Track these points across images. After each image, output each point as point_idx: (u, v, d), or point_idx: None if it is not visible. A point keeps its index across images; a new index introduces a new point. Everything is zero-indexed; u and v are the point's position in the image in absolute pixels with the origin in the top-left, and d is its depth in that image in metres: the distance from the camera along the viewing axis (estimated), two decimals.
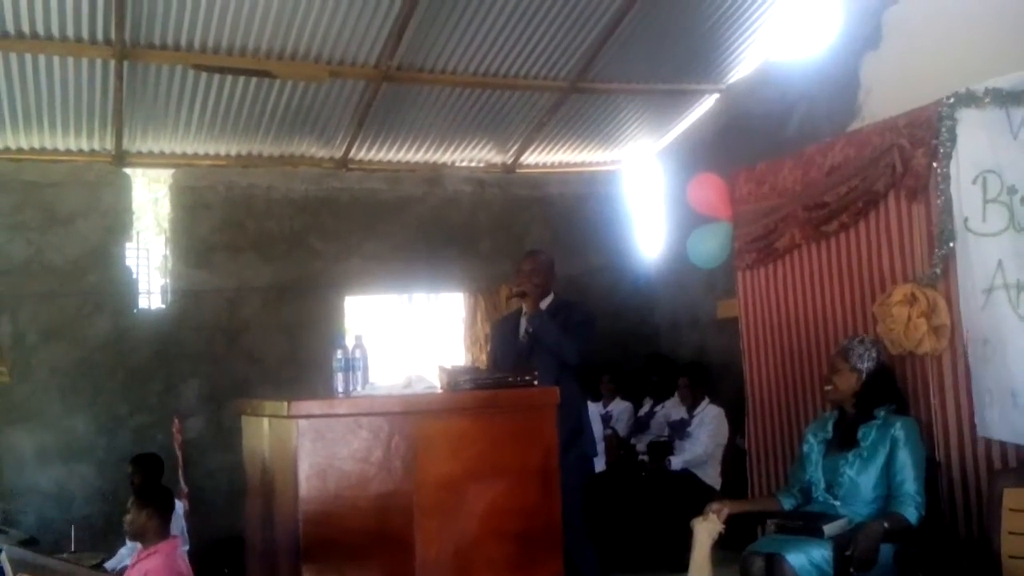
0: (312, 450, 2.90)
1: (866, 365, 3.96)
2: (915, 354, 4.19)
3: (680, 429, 6.40)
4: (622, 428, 6.97)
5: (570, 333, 4.35)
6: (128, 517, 4.27)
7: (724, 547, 3.95)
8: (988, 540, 3.71)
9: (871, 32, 5.76)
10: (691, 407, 6.47)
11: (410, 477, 2.97)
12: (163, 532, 4.32)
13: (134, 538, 4.44)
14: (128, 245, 7.01)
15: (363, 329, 6.97)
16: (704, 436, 6.27)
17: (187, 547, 5.71)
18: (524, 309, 4.54)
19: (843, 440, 3.97)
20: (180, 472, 6.33)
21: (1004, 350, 3.82)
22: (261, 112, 6.62)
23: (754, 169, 5.32)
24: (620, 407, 7.12)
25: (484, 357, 7.87)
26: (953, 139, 4.00)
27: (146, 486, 4.56)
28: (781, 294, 5.15)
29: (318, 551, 2.86)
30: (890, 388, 4.02)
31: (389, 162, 7.64)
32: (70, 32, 5.53)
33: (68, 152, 6.81)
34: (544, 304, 4.54)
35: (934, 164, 4.10)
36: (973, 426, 4.00)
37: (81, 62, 5.81)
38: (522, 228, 7.98)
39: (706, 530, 3.90)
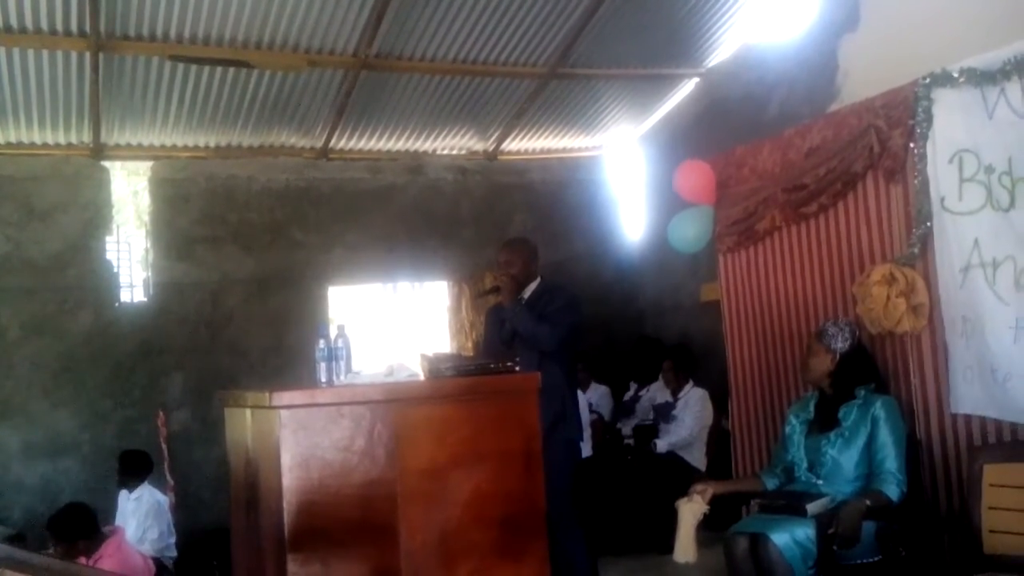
0: (295, 440, 2.89)
1: (839, 346, 4.01)
2: (894, 333, 4.22)
3: (665, 412, 6.43)
4: (604, 412, 7.00)
5: (548, 319, 4.35)
6: (56, 555, 4.30)
7: (709, 527, 3.99)
8: (969, 516, 3.74)
9: (848, 14, 5.78)
10: (675, 390, 6.50)
11: (393, 465, 2.97)
12: (95, 544, 4.37)
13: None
14: (108, 239, 6.96)
15: (347, 319, 6.97)
16: (689, 419, 6.30)
17: (173, 539, 5.75)
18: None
19: (824, 420, 4.01)
20: (165, 465, 6.32)
21: (982, 327, 3.85)
22: (240, 103, 6.58)
23: (734, 152, 5.34)
24: (598, 392, 7.14)
25: (469, 345, 7.89)
26: (929, 119, 4.02)
27: (57, 520, 4.58)
28: (762, 276, 5.17)
29: (302, 541, 2.86)
30: (867, 368, 4.06)
31: (370, 151, 7.62)
32: (44, 24, 5.48)
33: (45, 146, 6.76)
34: (529, 290, 4.55)
35: (911, 144, 4.12)
36: None
37: (56, 55, 5.76)
38: (505, 215, 7.98)
39: (691, 511, 3.94)
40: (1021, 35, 3.75)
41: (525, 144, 8.05)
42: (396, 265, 7.65)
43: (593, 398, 7.08)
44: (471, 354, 7.19)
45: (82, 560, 4.38)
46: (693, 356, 6.71)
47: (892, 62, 4.86)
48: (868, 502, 3.67)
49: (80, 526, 4.46)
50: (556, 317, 4.37)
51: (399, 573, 2.94)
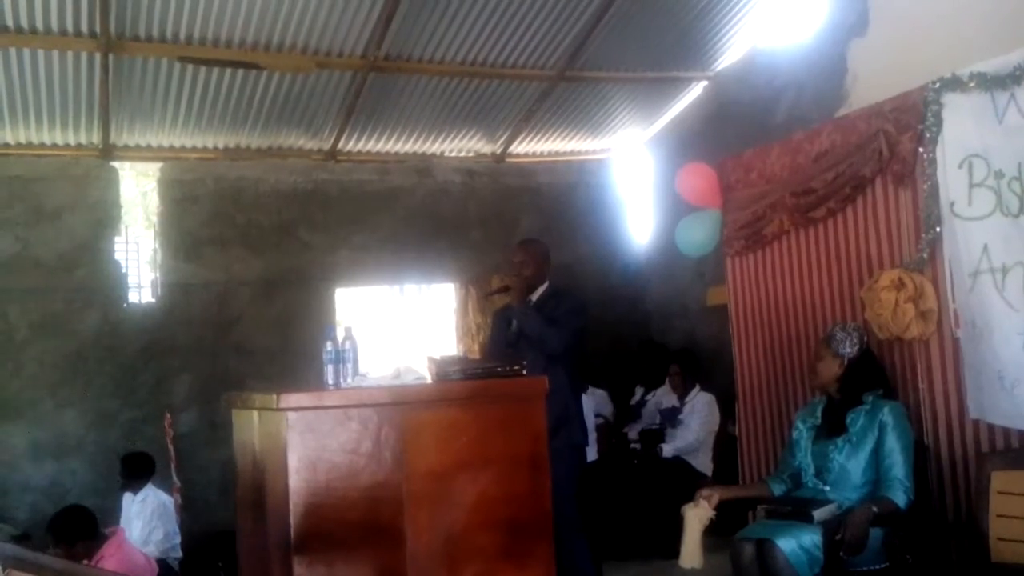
0: (302, 442, 2.89)
1: (848, 351, 4.00)
2: (903, 339, 4.20)
3: (671, 417, 6.42)
4: (605, 416, 6.98)
5: (556, 323, 4.34)
6: (55, 554, 4.30)
7: (715, 533, 3.97)
8: (976, 523, 3.73)
9: (857, 18, 5.77)
10: (682, 395, 6.49)
11: (400, 468, 2.97)
12: (95, 546, 4.38)
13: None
14: (117, 239, 6.98)
15: (354, 321, 6.98)
16: (695, 423, 6.29)
17: (178, 540, 5.76)
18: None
19: (832, 426, 4.00)
20: (172, 467, 6.33)
21: (991, 333, 3.83)
22: (248, 104, 6.59)
23: (742, 156, 5.33)
24: (595, 396, 7.12)
25: (476, 347, 7.89)
26: (939, 124, 4.01)
27: (57, 522, 4.58)
28: (770, 280, 5.16)
29: (309, 543, 2.86)
30: (875, 373, 4.05)
31: (378, 153, 7.62)
32: (55, 25, 5.50)
33: (55, 146, 6.78)
34: (538, 293, 4.52)
35: (920, 149, 4.11)
36: (961, 410, 4.02)
37: (67, 55, 5.78)
38: (512, 218, 7.97)
39: (697, 516, 3.93)
40: None
41: (533, 147, 8.05)
42: (403, 267, 7.65)
43: (591, 402, 7.05)
44: (477, 357, 7.18)
45: (82, 560, 4.39)
46: (700, 360, 6.70)
47: (901, 66, 4.85)
48: (875, 509, 3.65)
49: (80, 528, 4.47)
50: (565, 320, 4.36)
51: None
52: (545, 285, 4.57)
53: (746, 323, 5.36)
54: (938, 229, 4.04)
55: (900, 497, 3.71)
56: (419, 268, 7.71)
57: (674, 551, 4.02)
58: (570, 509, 4.18)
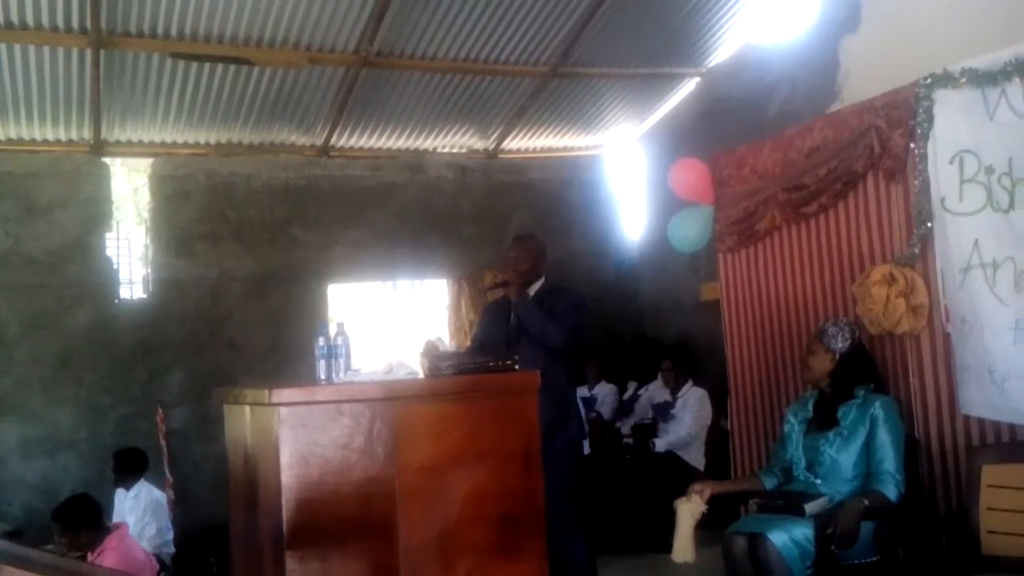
0: (294, 437, 2.89)
1: (839, 346, 4.01)
2: (894, 334, 4.22)
3: (664, 411, 6.44)
4: (607, 411, 7.01)
5: (556, 318, 4.33)
6: (59, 545, 4.30)
7: (707, 527, 3.99)
8: (967, 516, 3.74)
9: (850, 14, 5.78)
10: (675, 389, 6.50)
11: (392, 463, 2.97)
12: (100, 535, 4.37)
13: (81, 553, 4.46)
14: (108, 235, 6.96)
15: (346, 316, 6.98)
16: (688, 418, 6.31)
17: (171, 535, 5.75)
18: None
19: (823, 419, 4.01)
20: (165, 462, 6.31)
21: (981, 328, 3.85)
22: (240, 100, 6.58)
23: (734, 152, 5.34)
24: (605, 390, 7.15)
25: (469, 343, 7.88)
26: (930, 120, 4.02)
27: (62, 510, 4.57)
28: (762, 276, 5.17)
29: (301, 538, 2.86)
30: (866, 368, 4.06)
31: (370, 149, 7.62)
32: (45, 21, 5.47)
33: (46, 142, 6.76)
34: (535, 289, 4.50)
35: (911, 145, 4.12)
36: (952, 404, 4.04)
37: (57, 51, 5.76)
38: (505, 213, 7.97)
39: (689, 510, 3.94)
40: (1022, 36, 3.75)
41: (526, 143, 8.05)
42: (396, 263, 7.65)
43: (598, 395, 7.09)
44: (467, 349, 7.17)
45: (86, 552, 4.39)
46: (692, 355, 6.71)
47: (893, 62, 4.86)
48: (866, 502, 3.67)
49: (85, 516, 4.47)
50: (565, 316, 4.34)
51: (397, 570, 2.94)
52: (541, 281, 4.55)
53: (739, 318, 5.37)
54: (929, 224, 4.06)
55: (891, 491, 3.72)
56: (412, 264, 7.71)
57: (667, 545, 4.04)
58: (566, 504, 4.18)
